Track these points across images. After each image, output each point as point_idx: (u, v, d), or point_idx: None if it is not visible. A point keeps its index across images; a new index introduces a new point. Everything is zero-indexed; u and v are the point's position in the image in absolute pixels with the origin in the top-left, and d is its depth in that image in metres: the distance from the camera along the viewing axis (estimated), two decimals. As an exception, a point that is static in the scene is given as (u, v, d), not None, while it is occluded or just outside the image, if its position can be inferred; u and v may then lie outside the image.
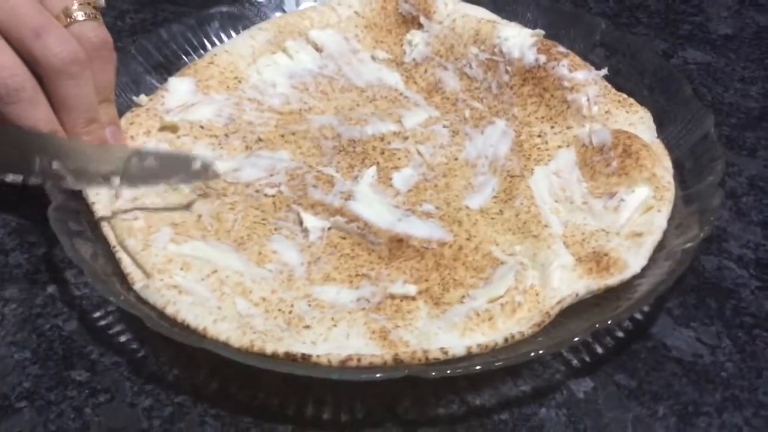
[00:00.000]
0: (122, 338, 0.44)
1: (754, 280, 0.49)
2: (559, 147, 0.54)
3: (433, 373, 0.39)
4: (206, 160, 0.50)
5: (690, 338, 0.45)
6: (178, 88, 0.57)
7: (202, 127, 0.55)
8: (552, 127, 0.55)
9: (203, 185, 0.51)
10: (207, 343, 0.40)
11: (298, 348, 0.41)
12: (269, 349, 0.40)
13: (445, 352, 0.41)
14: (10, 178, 0.46)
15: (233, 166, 0.53)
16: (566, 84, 0.56)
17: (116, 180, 0.47)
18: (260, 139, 0.55)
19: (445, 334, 0.42)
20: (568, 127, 0.55)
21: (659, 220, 0.47)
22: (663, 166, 0.51)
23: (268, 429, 0.40)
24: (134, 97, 0.56)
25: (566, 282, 0.44)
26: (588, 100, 0.55)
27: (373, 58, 0.63)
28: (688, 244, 0.44)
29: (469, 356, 0.41)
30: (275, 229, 0.49)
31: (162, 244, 0.46)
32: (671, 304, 0.47)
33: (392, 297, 0.44)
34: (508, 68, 0.59)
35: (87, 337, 0.44)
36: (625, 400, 0.42)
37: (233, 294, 0.44)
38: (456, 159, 0.55)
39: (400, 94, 0.60)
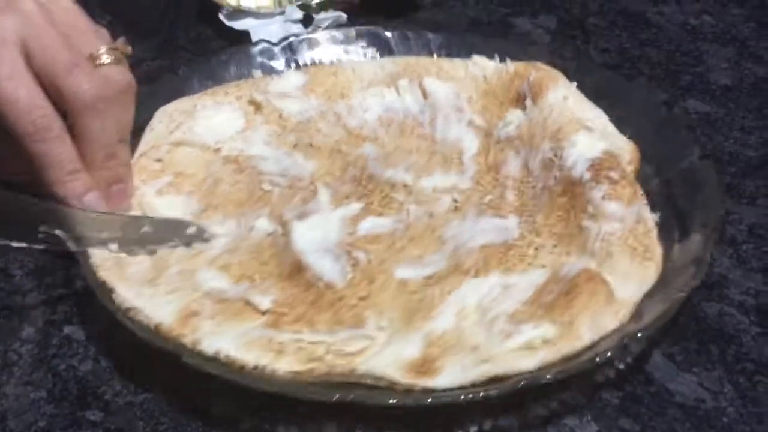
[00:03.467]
0: (136, 379, 0.45)
1: (755, 326, 0.49)
2: (543, 266, 0.49)
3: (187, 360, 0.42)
4: (200, 226, 0.52)
5: (692, 383, 0.46)
6: (290, 79, 0.64)
7: (280, 116, 0.61)
8: (555, 246, 0.51)
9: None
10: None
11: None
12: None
13: (217, 351, 0.43)
14: (15, 244, 0.49)
15: (264, 155, 0.58)
16: (590, 210, 0.51)
17: (114, 245, 0.49)
18: (311, 145, 0.60)
19: (231, 339, 0.43)
20: (567, 254, 0.50)
21: (523, 363, 0.42)
22: (594, 321, 0.44)
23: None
24: (253, 70, 0.65)
25: (383, 366, 0.42)
26: (597, 234, 0.49)
27: (470, 122, 0.62)
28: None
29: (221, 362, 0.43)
30: (239, 214, 0.54)
31: (149, 190, 0.54)
32: (673, 349, 0.48)
33: (246, 302, 0.46)
34: (557, 174, 0.55)
35: (101, 377, 0.45)
36: (628, 445, 0.43)
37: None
38: (433, 231, 0.53)
39: (459, 157, 0.59)
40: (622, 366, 0.46)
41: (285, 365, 0.42)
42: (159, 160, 0.57)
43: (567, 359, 0.43)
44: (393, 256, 0.51)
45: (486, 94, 0.63)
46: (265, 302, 0.46)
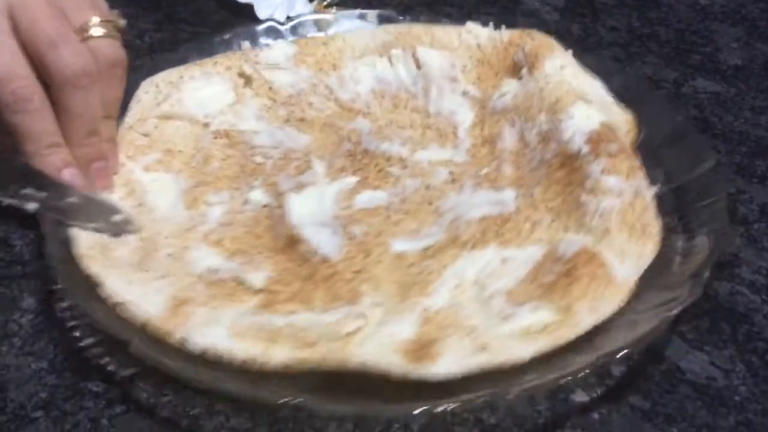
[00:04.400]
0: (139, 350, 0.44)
1: (767, 305, 0.49)
2: (540, 241, 0.48)
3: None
4: (128, 216, 0.50)
5: (704, 362, 0.45)
6: (280, 50, 0.62)
7: (270, 88, 0.60)
8: (553, 221, 0.49)
9: None
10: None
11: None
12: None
13: (205, 350, 0.40)
14: None
15: (256, 129, 0.57)
16: (588, 184, 0.49)
17: (33, 205, 0.47)
18: (303, 119, 0.59)
19: (221, 329, 0.41)
20: (564, 229, 0.48)
21: (520, 351, 0.41)
22: (594, 307, 0.43)
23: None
24: (241, 42, 0.63)
25: (377, 350, 0.40)
26: (596, 209, 0.48)
27: (464, 93, 0.60)
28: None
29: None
30: (233, 188, 0.53)
31: (136, 166, 0.52)
32: (685, 327, 0.47)
33: (239, 282, 0.45)
34: (555, 146, 0.53)
35: (104, 348, 0.44)
36: (638, 422, 0.42)
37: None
38: (430, 203, 0.52)
39: (454, 131, 0.58)
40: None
41: (278, 354, 0.40)
42: (146, 135, 0.55)
43: (563, 349, 0.41)
44: (389, 229, 0.50)
45: (480, 62, 0.62)
46: (258, 279, 0.45)
